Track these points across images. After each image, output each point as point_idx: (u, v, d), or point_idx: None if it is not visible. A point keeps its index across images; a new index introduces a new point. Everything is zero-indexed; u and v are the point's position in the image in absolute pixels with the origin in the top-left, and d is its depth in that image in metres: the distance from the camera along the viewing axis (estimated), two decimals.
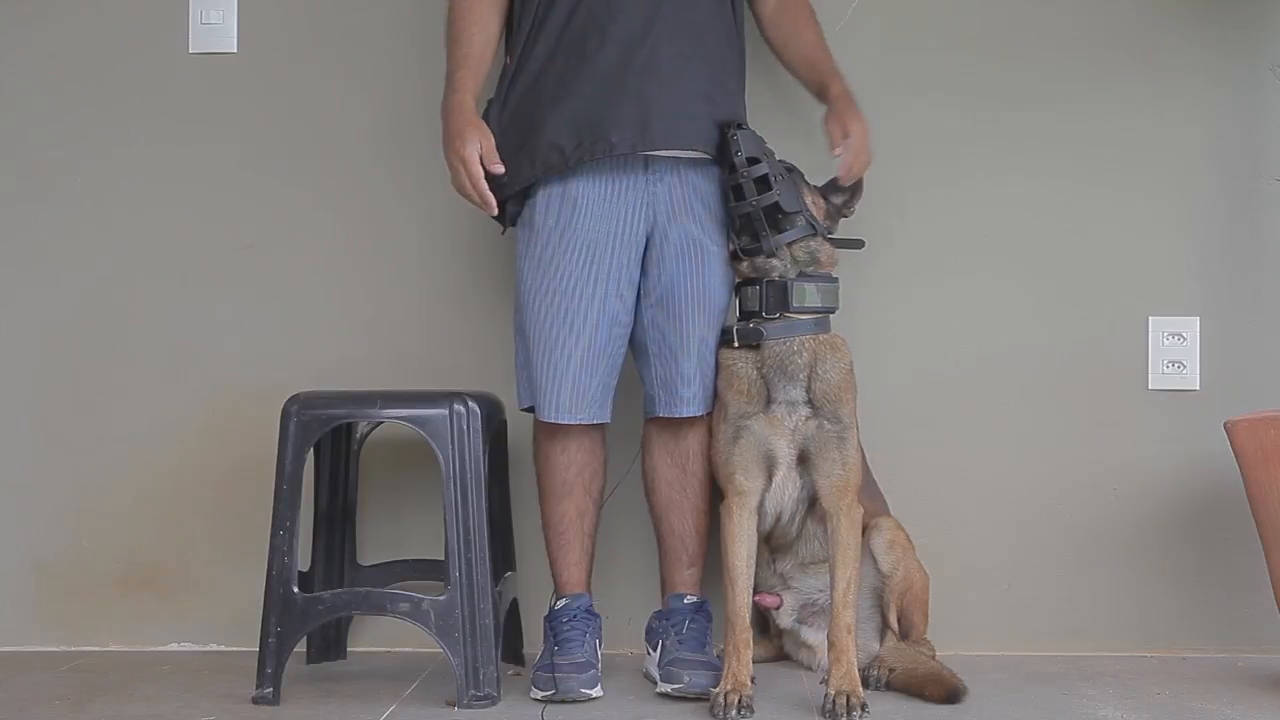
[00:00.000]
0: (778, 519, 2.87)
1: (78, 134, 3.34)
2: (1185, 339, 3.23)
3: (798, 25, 3.08)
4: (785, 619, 3.01)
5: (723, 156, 2.85)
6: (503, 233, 3.02)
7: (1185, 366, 3.23)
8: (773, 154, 2.85)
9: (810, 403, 2.79)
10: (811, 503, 2.84)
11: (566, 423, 2.87)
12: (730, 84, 2.93)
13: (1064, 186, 3.26)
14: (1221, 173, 3.24)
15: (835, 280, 2.86)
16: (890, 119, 3.22)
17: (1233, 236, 3.25)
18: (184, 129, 3.33)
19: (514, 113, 2.88)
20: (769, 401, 2.79)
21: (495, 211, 2.87)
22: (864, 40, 3.23)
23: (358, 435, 3.13)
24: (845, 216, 2.94)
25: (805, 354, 2.79)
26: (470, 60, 2.88)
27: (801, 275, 2.82)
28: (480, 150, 2.81)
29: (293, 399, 2.84)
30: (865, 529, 2.88)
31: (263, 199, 3.32)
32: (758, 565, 2.89)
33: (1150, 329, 3.24)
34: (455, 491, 2.78)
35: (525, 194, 2.90)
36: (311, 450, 2.85)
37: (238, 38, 3.32)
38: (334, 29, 3.32)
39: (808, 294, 2.81)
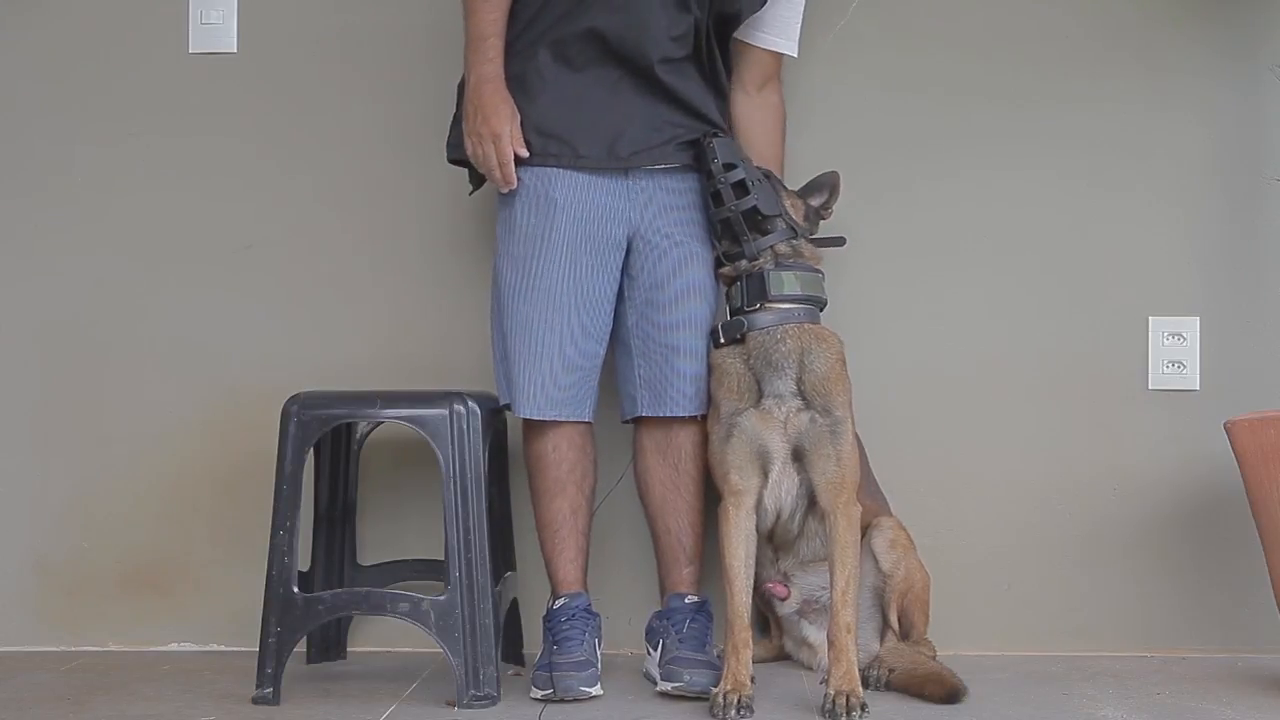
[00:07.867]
0: (778, 516, 2.87)
1: (78, 134, 3.33)
2: (1185, 339, 3.23)
3: (768, 131, 3.03)
4: (789, 608, 3.01)
5: (700, 164, 2.87)
6: (470, 194, 3.02)
7: (1185, 366, 3.23)
8: (749, 160, 2.87)
9: (801, 395, 2.77)
10: (812, 500, 2.83)
11: (542, 419, 2.88)
12: (706, 112, 2.92)
13: (1064, 186, 3.25)
14: (1221, 173, 3.24)
15: (818, 271, 2.86)
16: (890, 118, 3.24)
17: (1233, 236, 3.25)
18: (184, 129, 3.32)
19: None
20: (760, 396, 2.79)
21: (511, 188, 2.84)
22: (864, 39, 3.23)
23: (358, 435, 3.13)
24: (824, 218, 2.95)
25: (789, 342, 2.78)
26: (500, 25, 2.84)
27: (780, 265, 2.82)
28: (510, 130, 2.81)
29: (293, 399, 2.85)
30: (866, 528, 2.89)
31: (263, 199, 3.32)
32: (762, 563, 2.90)
33: (1150, 329, 3.24)
34: (455, 491, 2.78)
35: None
36: (311, 450, 2.86)
37: (238, 38, 3.32)
38: (334, 29, 3.32)
39: (785, 281, 2.81)
